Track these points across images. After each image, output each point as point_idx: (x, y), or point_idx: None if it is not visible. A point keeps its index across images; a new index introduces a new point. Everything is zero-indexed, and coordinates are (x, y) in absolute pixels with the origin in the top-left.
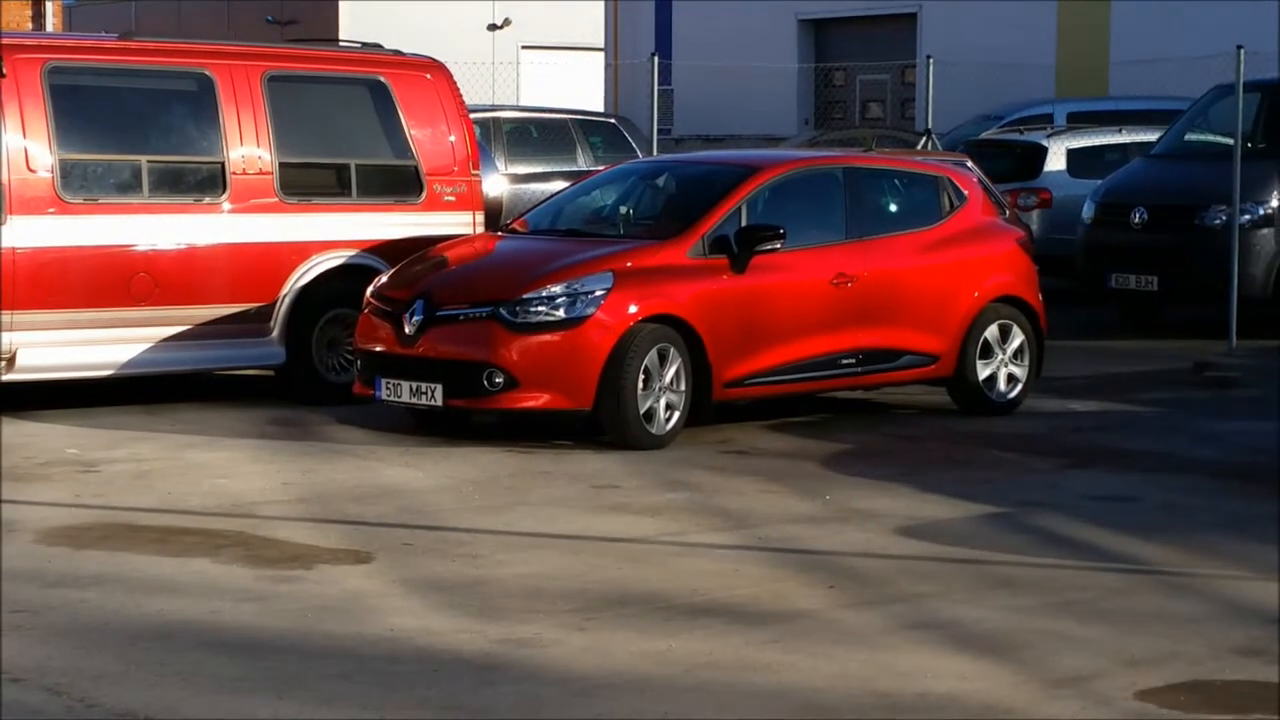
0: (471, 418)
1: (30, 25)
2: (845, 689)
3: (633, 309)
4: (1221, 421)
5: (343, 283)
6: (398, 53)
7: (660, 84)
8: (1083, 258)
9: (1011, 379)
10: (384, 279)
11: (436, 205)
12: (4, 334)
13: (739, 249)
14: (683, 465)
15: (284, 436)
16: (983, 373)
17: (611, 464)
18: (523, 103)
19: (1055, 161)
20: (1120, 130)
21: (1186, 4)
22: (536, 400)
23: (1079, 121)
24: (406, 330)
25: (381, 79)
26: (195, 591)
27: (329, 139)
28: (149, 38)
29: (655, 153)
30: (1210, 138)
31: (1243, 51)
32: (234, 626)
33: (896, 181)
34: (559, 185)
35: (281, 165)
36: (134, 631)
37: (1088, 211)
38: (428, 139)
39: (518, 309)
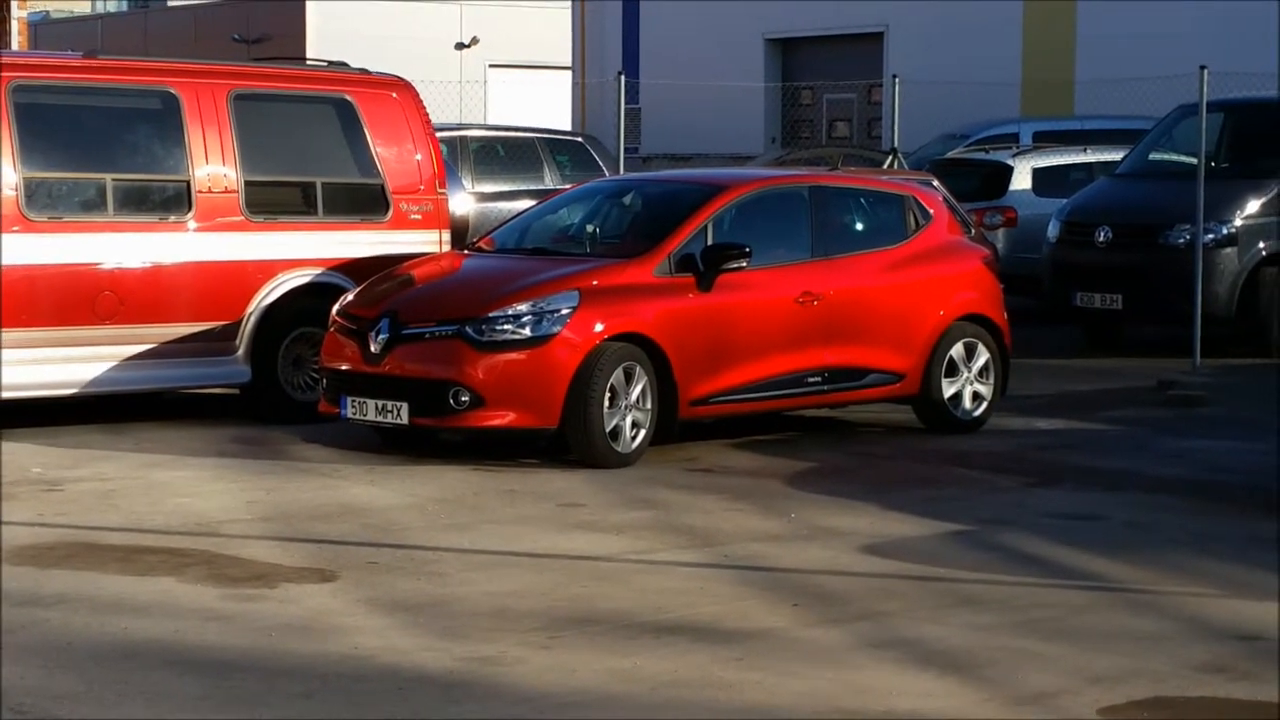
0: (437, 436)
1: None
2: (810, 707)
3: (599, 327)
4: (1186, 440)
5: (308, 301)
6: (364, 71)
7: (627, 102)
8: (1048, 276)
9: (977, 397)
10: (350, 297)
11: (403, 223)
12: None
13: (705, 267)
14: (648, 483)
15: (249, 455)
16: (948, 391)
17: (577, 482)
18: (490, 121)
19: (1021, 180)
20: (1085, 149)
21: (1152, 23)
22: (502, 418)
23: (1044, 141)
24: (372, 348)
25: (348, 98)
26: (159, 611)
27: (295, 157)
28: (114, 56)
29: (622, 171)
30: (1174, 157)
31: (1206, 71)
32: (198, 646)
33: (862, 200)
34: (525, 204)
35: (247, 184)
36: (98, 651)
37: (1053, 230)
38: (394, 157)
39: (483, 327)
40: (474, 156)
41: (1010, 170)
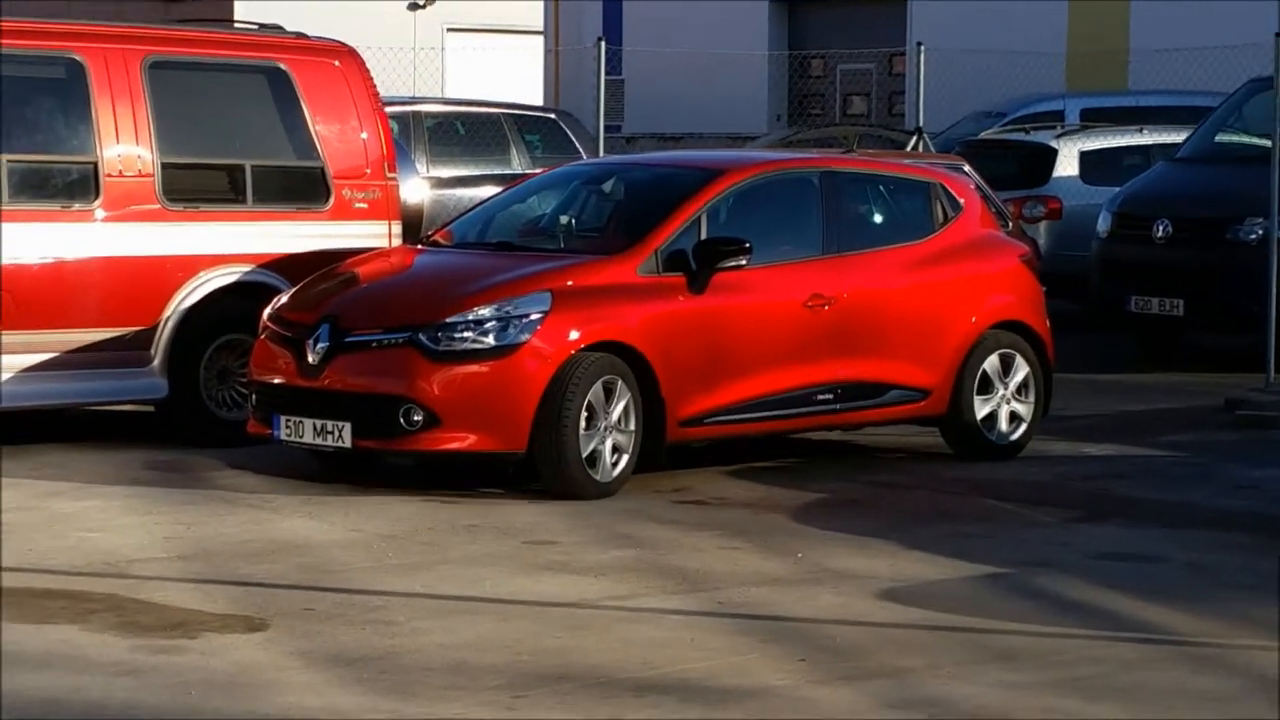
0: (385, 461)
1: None
2: None
3: (574, 335)
4: (1257, 468)
5: (236, 303)
6: (301, 36)
7: (608, 73)
8: (1097, 277)
9: (1014, 418)
10: (284, 299)
11: (346, 213)
12: None
13: (698, 265)
14: (631, 517)
15: (165, 483)
16: (981, 410)
17: (548, 516)
18: (448, 94)
19: (1066, 165)
20: (1141, 130)
21: None
22: (461, 441)
23: (1094, 119)
24: (309, 359)
25: (282, 66)
26: (60, 664)
27: (220, 136)
28: (8, 17)
29: (602, 153)
30: (1244, 139)
31: None
32: (105, 704)
33: (882, 188)
34: (489, 191)
35: (164, 166)
36: None
37: (1103, 223)
38: (336, 136)
39: (440, 335)
40: (429, 135)
41: (1054, 153)
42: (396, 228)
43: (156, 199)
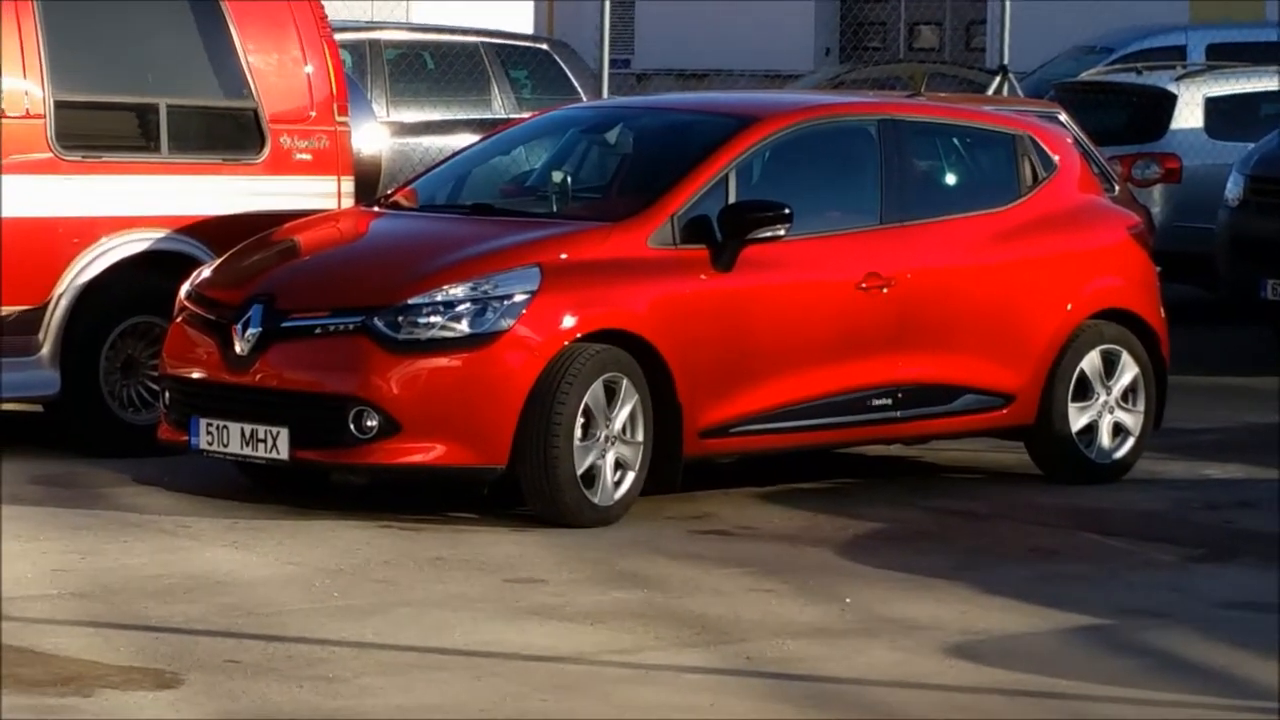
0: (331, 478)
1: None
2: None
3: (569, 321)
4: None
5: (145, 277)
6: None
7: None
8: (1226, 256)
9: (1119, 430)
10: (205, 273)
11: (285, 166)
12: None
13: (725, 236)
14: (638, 550)
15: (55, 501)
16: (1077, 421)
17: (534, 548)
18: (413, 20)
19: (1188, 116)
20: None
21: None
22: (426, 453)
23: (1223, 58)
24: (237, 348)
25: None
26: None
27: (129, 68)
28: None
29: (606, 94)
30: None
31: None
32: None
33: (956, 141)
34: (464, 140)
35: (58, 105)
36: None
37: (1234, 189)
38: (273, 70)
39: (400, 319)
40: (390, 70)
41: (1173, 100)
42: (348, 185)
43: (48, 146)
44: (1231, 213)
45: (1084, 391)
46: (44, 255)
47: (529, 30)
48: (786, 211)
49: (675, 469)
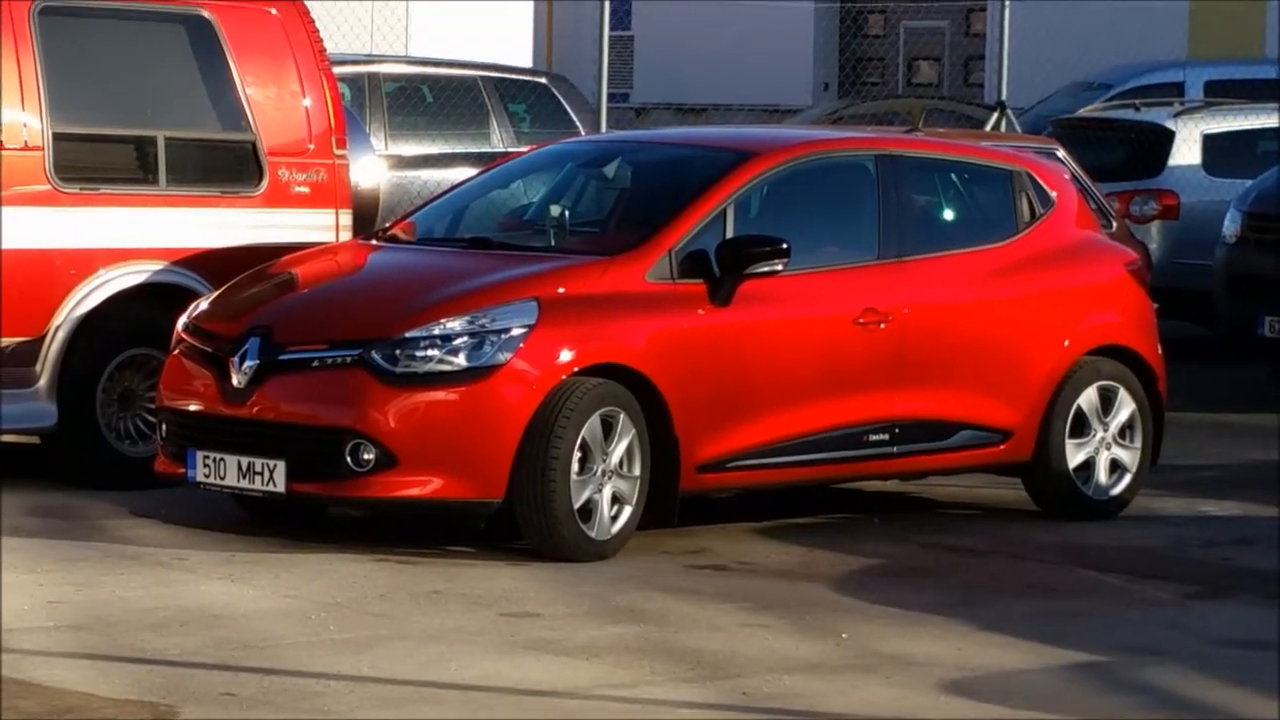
0: (327, 511)
1: None
2: None
3: (566, 356)
4: None
5: (143, 310)
6: None
7: (614, 28)
8: (1223, 292)
9: (1116, 467)
10: (203, 305)
11: (282, 199)
12: None
13: (722, 271)
14: (635, 585)
15: (51, 533)
16: (1074, 457)
17: (530, 582)
18: (413, 53)
19: (1185, 152)
20: None
21: None
22: (423, 486)
23: (1221, 95)
24: (234, 381)
25: (205, 14)
26: None
27: (127, 100)
28: None
29: (604, 128)
30: None
31: None
32: None
33: (954, 177)
34: (463, 174)
35: (57, 138)
36: None
37: (1231, 225)
38: (271, 103)
39: (398, 353)
40: (389, 103)
41: (1171, 136)
42: (346, 218)
43: (46, 178)
44: (1229, 249)
45: (1081, 428)
46: (42, 287)
47: (527, 64)
48: (784, 246)
49: (672, 504)
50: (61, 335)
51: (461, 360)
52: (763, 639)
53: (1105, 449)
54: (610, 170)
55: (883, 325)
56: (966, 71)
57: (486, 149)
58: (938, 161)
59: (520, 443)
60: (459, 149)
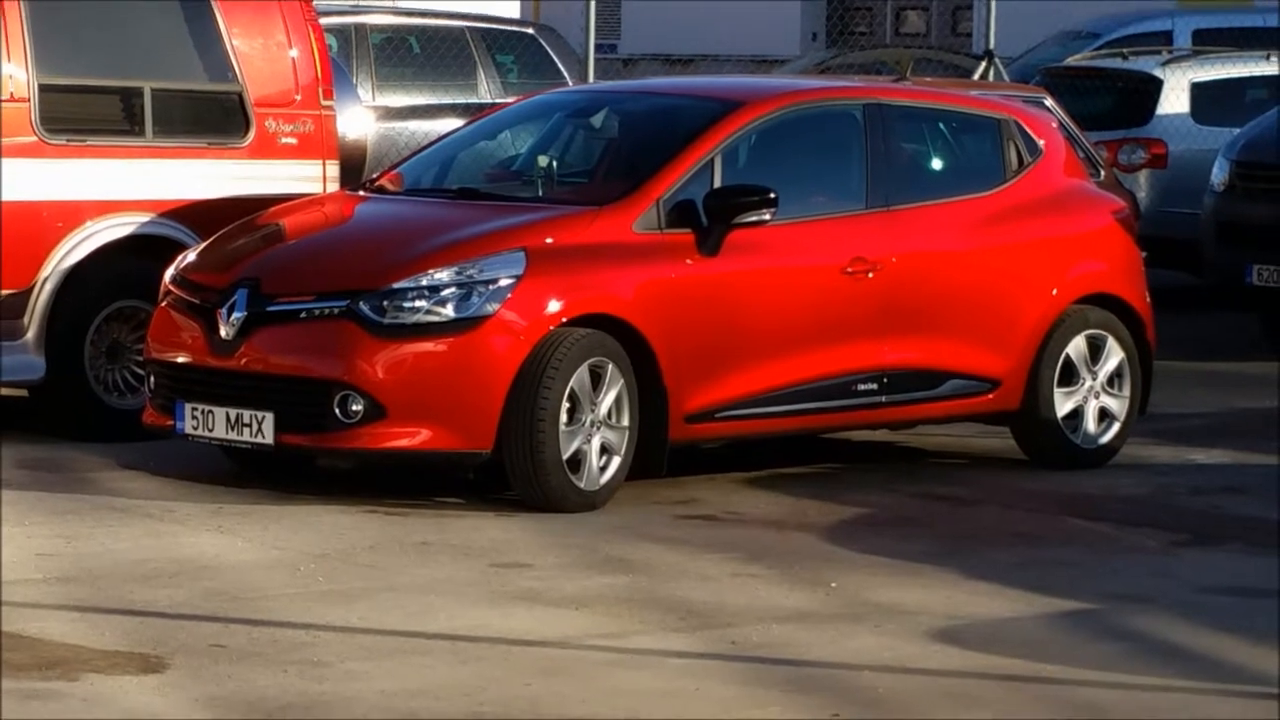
0: (316, 462)
1: None
2: None
3: (554, 306)
4: None
5: (130, 262)
6: None
7: None
8: (1211, 241)
9: (1104, 416)
10: (190, 257)
11: (269, 150)
12: None
13: (710, 220)
14: (623, 536)
15: (40, 485)
16: (1063, 406)
17: (519, 533)
18: (399, 3)
19: (1174, 101)
20: (1269, 57)
21: None
22: (411, 438)
23: (1209, 43)
24: (222, 332)
25: None
26: None
27: (112, 52)
28: None
29: (592, 79)
30: None
31: None
32: None
33: (941, 126)
34: (450, 124)
35: (43, 89)
36: None
37: (1219, 174)
38: (258, 54)
39: (385, 304)
40: (376, 54)
41: (1159, 85)
42: (333, 169)
43: (32, 129)
44: (1217, 198)
45: (1069, 377)
46: (28, 240)
47: (515, 15)
48: (772, 196)
49: (661, 454)
50: (49, 288)
51: (449, 311)
52: (752, 589)
53: (1094, 398)
54: (598, 120)
55: (871, 274)
56: (954, 21)
57: (474, 100)
58: (925, 111)
59: (508, 393)
60: (446, 100)
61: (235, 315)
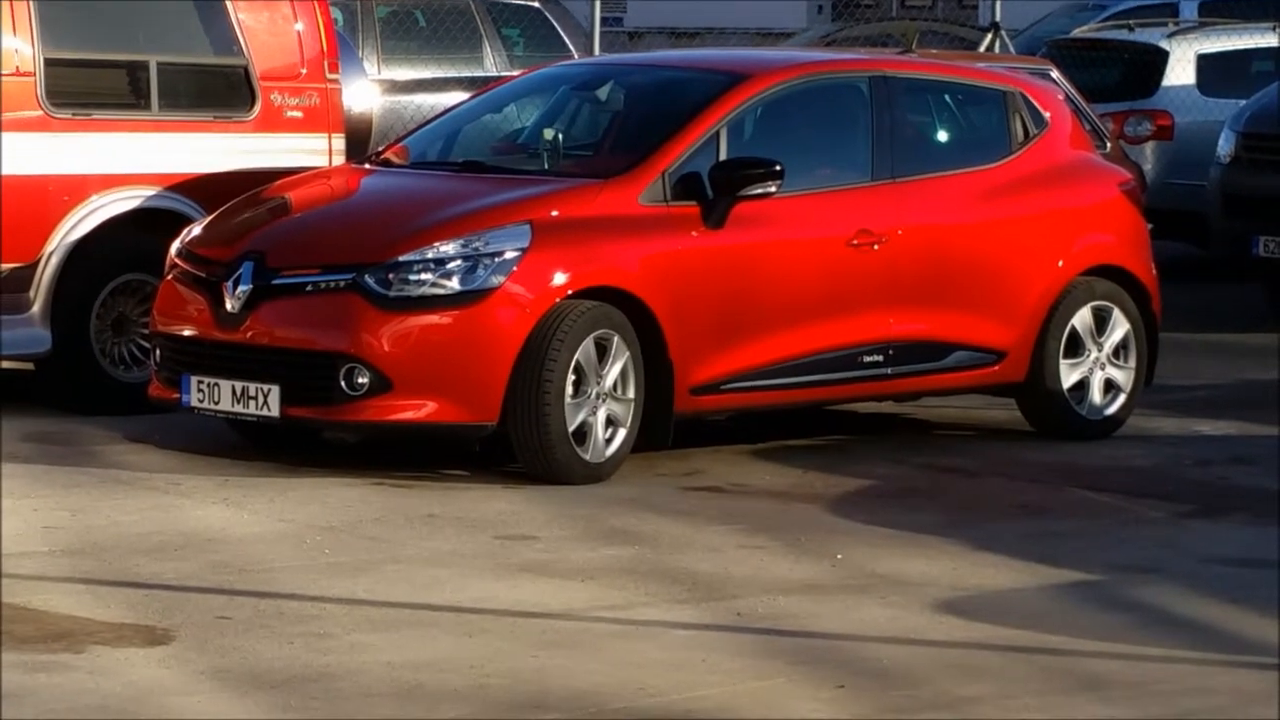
0: (322, 435)
1: None
2: None
3: (560, 279)
4: None
5: (136, 235)
6: None
7: None
8: (1217, 213)
9: (1110, 387)
10: (196, 231)
11: (275, 123)
12: None
13: (716, 193)
14: (629, 507)
15: (46, 459)
16: (1069, 378)
17: (525, 505)
18: None
19: (1180, 72)
20: (1275, 29)
21: None
22: (417, 410)
23: (1215, 15)
24: (228, 305)
25: None
26: None
27: (119, 25)
28: None
29: (598, 52)
30: None
31: None
32: None
33: (947, 98)
34: (456, 97)
35: (48, 63)
36: None
37: (1226, 145)
38: (264, 27)
39: (391, 276)
40: (381, 28)
41: (1165, 57)
42: (339, 142)
43: (38, 103)
44: (1223, 169)
45: (1075, 348)
46: (34, 214)
47: None
48: (777, 168)
49: (666, 426)
50: (55, 261)
51: (455, 284)
52: (757, 560)
53: (1099, 369)
54: (603, 93)
55: (876, 246)
56: None
57: (479, 73)
58: (931, 83)
59: (514, 366)
60: (452, 73)
61: (241, 288)
